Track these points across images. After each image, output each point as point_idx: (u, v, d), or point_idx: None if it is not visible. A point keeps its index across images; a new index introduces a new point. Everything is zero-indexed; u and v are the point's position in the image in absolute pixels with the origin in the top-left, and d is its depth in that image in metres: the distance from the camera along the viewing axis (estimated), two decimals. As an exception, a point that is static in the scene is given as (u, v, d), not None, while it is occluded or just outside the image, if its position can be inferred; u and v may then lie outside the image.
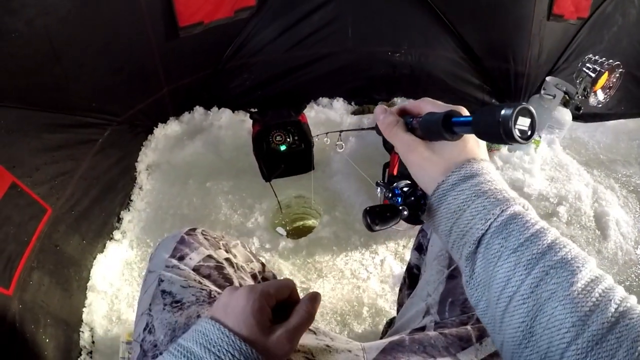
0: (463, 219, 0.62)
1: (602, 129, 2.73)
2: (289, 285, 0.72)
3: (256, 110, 2.48)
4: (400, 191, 0.73)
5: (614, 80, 2.11)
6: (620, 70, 2.08)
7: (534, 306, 0.53)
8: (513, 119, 0.52)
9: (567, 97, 2.25)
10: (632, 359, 0.45)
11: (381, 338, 1.52)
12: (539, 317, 0.52)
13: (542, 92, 2.30)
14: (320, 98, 2.67)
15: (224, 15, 2.17)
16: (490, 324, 0.60)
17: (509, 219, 0.59)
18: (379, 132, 0.78)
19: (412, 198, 0.71)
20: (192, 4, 2.01)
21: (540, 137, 2.38)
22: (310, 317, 0.69)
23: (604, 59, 2.07)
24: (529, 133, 0.55)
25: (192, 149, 2.34)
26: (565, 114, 2.33)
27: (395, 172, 1.88)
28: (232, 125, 2.46)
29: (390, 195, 0.75)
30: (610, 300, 0.50)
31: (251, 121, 2.13)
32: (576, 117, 2.49)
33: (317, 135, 1.18)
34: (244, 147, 2.30)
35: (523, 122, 0.54)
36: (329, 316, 1.71)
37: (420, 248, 1.16)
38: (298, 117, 2.05)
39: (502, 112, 0.53)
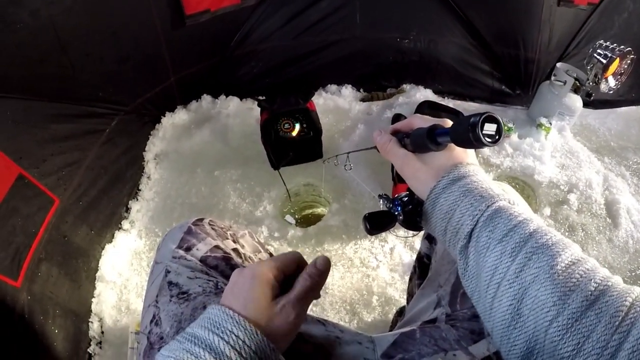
0: (455, 217, 0.68)
1: (613, 116, 2.70)
2: (295, 259, 0.72)
3: (264, 97, 2.47)
4: (399, 201, 0.80)
5: (626, 66, 2.09)
6: (632, 56, 2.05)
7: (519, 290, 0.57)
8: (479, 125, 0.60)
9: (578, 84, 2.23)
10: (610, 332, 0.48)
11: (391, 327, 1.53)
12: (525, 300, 0.56)
13: (553, 78, 2.28)
14: (329, 85, 2.65)
15: (231, 2, 2.16)
16: (482, 312, 0.64)
17: (495, 213, 0.64)
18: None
19: (410, 206, 0.78)
20: (198, -9, 1.99)
21: (550, 124, 2.36)
22: (313, 282, 0.68)
23: (615, 45, 2.05)
24: (497, 137, 0.62)
25: (200, 138, 2.34)
26: (576, 101, 2.31)
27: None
28: (240, 113, 2.45)
29: (391, 205, 0.80)
30: (591, 280, 0.53)
31: (259, 109, 2.13)
32: (587, 104, 2.47)
33: (328, 159, 1.22)
34: (252, 135, 2.29)
35: (490, 128, 0.61)
36: (338, 305, 1.71)
37: (430, 237, 1.15)
38: (306, 105, 2.04)
39: (471, 120, 0.61)
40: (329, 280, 1.76)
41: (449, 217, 0.69)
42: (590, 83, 2.16)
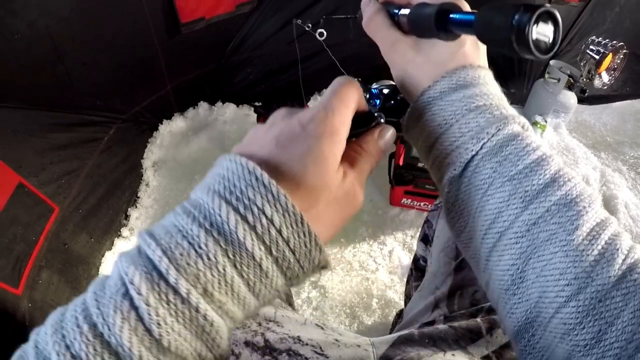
0: (449, 135, 0.51)
1: (608, 111, 2.71)
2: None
3: (260, 104, 2.47)
4: (378, 92, 0.62)
5: (618, 61, 2.10)
6: (624, 51, 2.07)
7: (528, 247, 0.45)
8: (532, 24, 0.38)
9: (572, 80, 2.24)
10: (637, 321, 0.39)
11: (391, 330, 1.53)
12: (533, 261, 0.44)
13: (546, 75, 2.30)
14: (324, 90, 2.64)
15: (226, 10, 2.16)
16: (473, 260, 0.53)
17: (506, 139, 0.49)
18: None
19: (392, 102, 0.62)
20: (192, 0, 2.00)
21: (546, 121, 2.37)
22: (374, 160, 0.51)
23: (607, 40, 2.06)
24: (550, 44, 0.41)
25: (197, 145, 2.34)
26: (570, 97, 2.32)
27: (401, 163, 1.87)
28: (237, 120, 2.46)
29: (367, 96, 0.63)
30: (618, 249, 0.42)
31: (256, 115, 2.13)
32: (581, 100, 2.48)
33: (297, 21, 1.07)
34: (249, 141, 2.28)
35: (543, 30, 0.40)
36: (338, 309, 1.71)
37: (425, 239, 1.15)
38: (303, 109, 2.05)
39: (517, 15, 0.39)
40: (328, 284, 1.77)
41: (441, 132, 0.52)
42: (584, 79, 2.17)
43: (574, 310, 0.41)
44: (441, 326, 0.82)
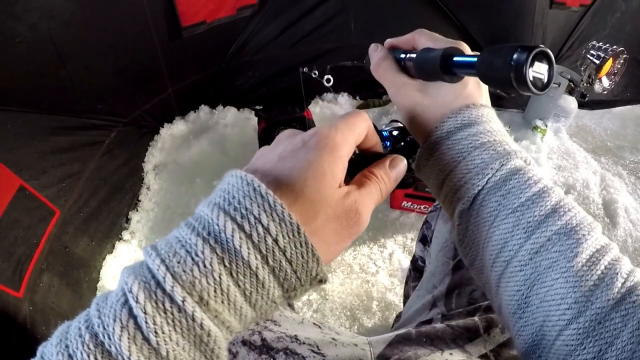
0: (457, 172, 0.55)
1: (608, 116, 2.72)
2: (370, 133, 0.50)
3: (261, 107, 2.48)
4: (389, 134, 0.63)
5: (619, 66, 2.11)
6: (625, 56, 2.07)
7: (531, 274, 0.48)
8: (528, 63, 0.42)
9: (572, 85, 2.24)
10: (636, 340, 0.41)
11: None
12: (537, 287, 0.47)
13: (547, 80, 2.30)
14: (325, 93, 2.66)
15: (227, 14, 2.17)
16: (487, 286, 0.56)
17: (509, 174, 0.52)
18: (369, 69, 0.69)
19: (402, 143, 0.64)
20: (193, 4, 2.01)
21: (546, 126, 2.37)
22: (385, 186, 0.49)
23: (607, 45, 2.07)
24: (545, 81, 0.45)
25: (198, 148, 2.35)
26: (571, 102, 2.33)
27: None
28: (238, 123, 2.46)
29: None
30: (617, 273, 0.45)
31: (256, 118, 2.14)
32: (582, 105, 2.48)
33: (304, 69, 1.10)
34: (250, 144, 2.29)
35: (539, 69, 0.44)
36: (338, 311, 1.71)
37: (424, 240, 1.15)
38: (303, 113, 2.05)
39: (515, 55, 0.42)
40: (328, 286, 1.77)
41: (450, 170, 0.56)
42: (584, 84, 2.18)
43: (574, 332, 0.43)
44: (439, 325, 0.82)
